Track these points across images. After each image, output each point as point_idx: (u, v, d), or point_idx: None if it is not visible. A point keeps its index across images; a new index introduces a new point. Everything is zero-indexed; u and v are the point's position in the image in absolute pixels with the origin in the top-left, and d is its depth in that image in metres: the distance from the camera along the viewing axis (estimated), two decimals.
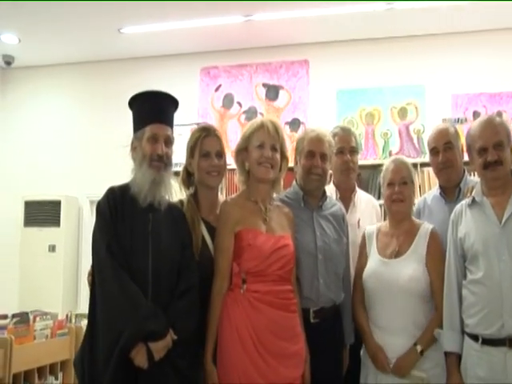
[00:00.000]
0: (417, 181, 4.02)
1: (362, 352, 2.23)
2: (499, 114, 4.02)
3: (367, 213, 2.55)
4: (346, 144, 2.61)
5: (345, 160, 2.60)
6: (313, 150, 2.25)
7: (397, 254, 2.20)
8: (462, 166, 2.43)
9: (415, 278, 2.12)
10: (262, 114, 4.56)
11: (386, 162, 2.33)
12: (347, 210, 2.62)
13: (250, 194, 2.09)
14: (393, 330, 2.11)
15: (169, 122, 2.05)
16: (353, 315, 2.27)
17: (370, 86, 4.41)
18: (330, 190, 2.66)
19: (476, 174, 2.27)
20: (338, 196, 2.64)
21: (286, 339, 1.95)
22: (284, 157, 2.12)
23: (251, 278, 1.96)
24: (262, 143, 2.05)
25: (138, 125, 2.03)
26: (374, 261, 2.24)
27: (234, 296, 1.96)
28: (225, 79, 4.71)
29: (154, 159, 1.97)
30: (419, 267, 2.14)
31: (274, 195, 2.23)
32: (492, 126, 2.03)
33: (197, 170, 2.18)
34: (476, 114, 4.18)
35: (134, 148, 2.04)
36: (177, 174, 2.22)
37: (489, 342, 1.91)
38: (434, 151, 2.44)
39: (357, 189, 2.71)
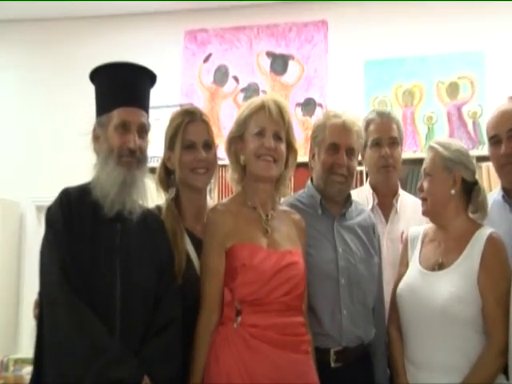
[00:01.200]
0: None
1: None
2: None
3: (415, 222, 2.57)
4: (385, 134, 2.69)
5: (382, 154, 2.67)
6: (337, 141, 2.28)
7: (441, 265, 2.23)
8: None
9: (457, 297, 2.12)
10: (265, 92, 4.58)
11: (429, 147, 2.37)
12: (387, 219, 2.72)
13: (246, 198, 2.12)
14: (432, 368, 2.13)
15: (143, 105, 2.07)
16: (387, 347, 2.30)
17: (408, 54, 4.44)
18: (365, 193, 2.75)
19: None
20: (376, 202, 2.72)
21: None
22: (291, 148, 2.15)
23: (248, 308, 1.97)
24: (262, 130, 2.07)
25: (102, 107, 2.04)
26: (412, 271, 2.28)
27: (224, 332, 1.97)
28: (216, 46, 4.73)
29: (123, 154, 1.99)
30: (467, 284, 2.15)
31: (281, 199, 2.26)
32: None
33: (178, 166, 2.20)
34: None
35: (96, 137, 2.05)
36: (153, 171, 2.24)
37: None
38: (494, 140, 2.48)
39: (400, 191, 2.78)
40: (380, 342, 2.31)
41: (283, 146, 2.09)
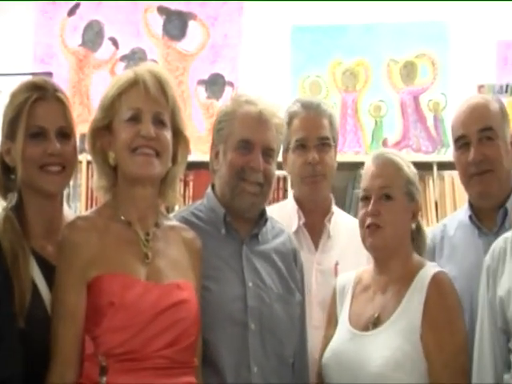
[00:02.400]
0: (430, 194, 4.24)
1: None
2: None
3: (353, 251, 2.64)
4: (312, 133, 2.74)
5: (309, 161, 2.69)
6: (250, 138, 2.32)
7: (376, 322, 2.29)
8: (510, 170, 2.57)
9: (394, 362, 2.18)
10: (155, 61, 4.54)
11: (368, 161, 2.45)
12: (317, 245, 2.76)
13: (117, 209, 2.11)
14: None
15: None
16: None
17: (351, 21, 4.54)
18: (289, 210, 2.81)
19: None
20: (303, 222, 2.76)
21: None
22: (180, 136, 2.17)
23: (116, 364, 1.94)
24: (137, 112, 2.06)
25: None
26: (340, 334, 2.35)
27: None
28: None
29: None
30: (406, 345, 2.21)
31: (169, 213, 2.29)
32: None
33: (21, 161, 2.15)
34: None
35: None
36: None
37: None
38: (462, 142, 2.57)
39: (334, 208, 2.85)
40: None
41: (168, 133, 2.10)
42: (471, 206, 2.59)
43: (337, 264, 2.67)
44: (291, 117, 2.76)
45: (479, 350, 2.20)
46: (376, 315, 2.29)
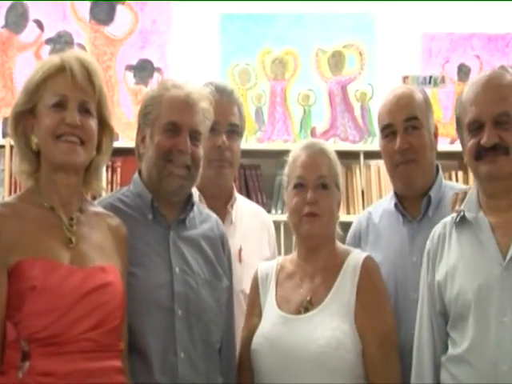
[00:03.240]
0: (357, 183, 4.32)
1: None
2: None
3: (254, 237, 2.69)
4: (224, 117, 2.75)
5: (218, 144, 2.71)
6: (178, 120, 2.34)
7: (308, 306, 2.33)
8: (434, 160, 2.63)
9: (336, 342, 2.24)
10: (81, 46, 4.52)
11: (295, 149, 2.51)
12: None
13: (40, 195, 2.10)
14: None
15: None
16: None
17: (280, 10, 4.55)
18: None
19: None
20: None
21: None
22: (106, 125, 2.16)
23: (39, 349, 1.92)
24: (63, 99, 2.05)
25: None
26: (269, 320, 2.38)
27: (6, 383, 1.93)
28: None
29: None
30: (344, 325, 2.28)
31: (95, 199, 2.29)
32: (495, 87, 2.19)
33: None
34: (463, 69, 4.53)
35: None
36: None
37: None
38: (388, 131, 2.61)
39: (236, 195, 2.88)
40: None
41: (93, 122, 2.09)
42: (396, 194, 2.63)
43: (240, 249, 2.69)
44: None
45: (419, 332, 2.26)
46: (308, 298, 2.33)
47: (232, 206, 2.80)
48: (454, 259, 2.21)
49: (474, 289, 2.11)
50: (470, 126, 2.18)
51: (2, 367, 1.94)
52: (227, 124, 2.76)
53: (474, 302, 2.10)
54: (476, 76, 2.32)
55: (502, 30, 4.56)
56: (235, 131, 2.80)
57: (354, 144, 4.47)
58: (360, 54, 4.56)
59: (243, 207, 2.85)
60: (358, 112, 4.52)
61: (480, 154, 2.15)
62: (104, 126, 2.14)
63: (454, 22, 4.57)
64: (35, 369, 1.91)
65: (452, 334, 2.18)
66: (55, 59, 2.10)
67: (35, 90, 2.07)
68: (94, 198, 2.46)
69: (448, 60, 4.55)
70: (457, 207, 2.29)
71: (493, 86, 2.19)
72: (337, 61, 4.55)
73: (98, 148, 2.14)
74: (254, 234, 2.70)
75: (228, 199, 2.81)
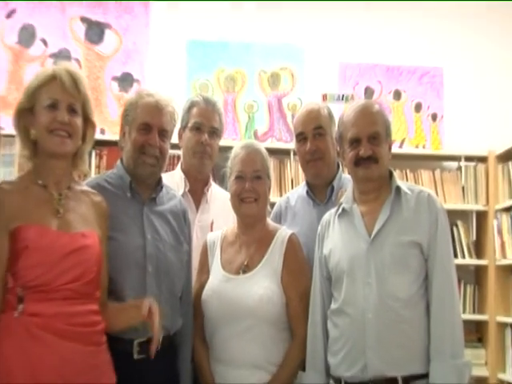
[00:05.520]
0: (287, 173, 4.33)
1: None
2: (377, 100, 4.40)
3: (223, 214, 2.69)
4: (207, 121, 2.78)
5: (201, 140, 2.76)
6: (149, 121, 2.34)
7: (245, 269, 2.37)
8: (335, 158, 2.67)
9: (266, 297, 2.28)
10: (78, 60, 4.51)
11: (235, 148, 2.51)
12: (197, 207, 2.80)
13: (37, 175, 2.09)
14: (240, 365, 2.27)
15: None
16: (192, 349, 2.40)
17: (232, 39, 4.59)
18: (177, 178, 2.82)
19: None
20: (187, 188, 2.79)
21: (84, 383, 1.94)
22: (89, 122, 2.15)
23: (31, 294, 1.93)
24: (55, 102, 2.05)
25: None
26: (215, 277, 2.40)
27: (6, 321, 1.93)
28: (22, 2, 4.52)
29: None
30: (272, 285, 2.32)
31: (83, 178, 2.27)
32: (368, 114, 2.27)
33: None
34: (369, 91, 4.63)
35: None
36: None
37: None
38: (301, 137, 2.67)
39: (211, 182, 2.89)
40: (186, 331, 2.39)
41: (79, 120, 2.10)
42: (308, 183, 2.70)
43: (212, 223, 2.73)
44: (192, 104, 2.82)
45: (313, 292, 2.34)
46: (246, 263, 2.38)
47: (208, 190, 2.83)
48: (335, 238, 2.29)
49: (348, 259, 2.21)
50: (351, 141, 2.25)
51: (3, 307, 1.94)
52: (210, 126, 2.78)
53: (347, 268, 2.20)
54: (354, 104, 2.36)
55: (397, 62, 4.64)
56: (215, 133, 2.81)
57: (286, 143, 4.47)
58: (292, 75, 4.60)
59: (216, 192, 2.86)
60: (289, 119, 4.52)
61: (358, 162, 2.22)
62: (87, 121, 2.14)
63: (363, 55, 4.62)
64: (28, 310, 1.91)
65: (334, 292, 2.26)
66: (49, 70, 2.09)
67: (33, 94, 2.06)
68: (85, 178, 2.44)
69: (358, 83, 4.61)
70: (341, 200, 2.36)
71: (367, 113, 2.27)
72: (274, 80, 4.59)
73: (83, 138, 2.13)
74: (222, 212, 2.68)
75: (205, 184, 2.84)
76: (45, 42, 4.53)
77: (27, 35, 4.51)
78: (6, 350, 1.89)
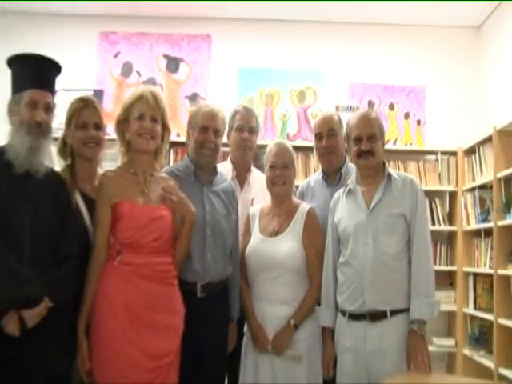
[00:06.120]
0: (311, 164, 4.24)
1: (245, 328, 2.34)
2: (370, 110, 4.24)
3: (261, 193, 2.63)
4: (246, 123, 2.72)
5: (243, 137, 2.71)
6: (206, 124, 2.31)
7: (276, 233, 2.33)
8: (343, 152, 2.60)
9: (291, 253, 2.26)
10: (161, 85, 4.51)
11: (270, 145, 2.45)
12: (242, 188, 2.73)
13: (130, 166, 2.09)
14: (273, 301, 2.26)
15: (49, 88, 2.02)
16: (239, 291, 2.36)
17: (271, 66, 4.52)
18: (227, 167, 2.74)
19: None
20: (235, 174, 2.72)
21: (162, 312, 1.96)
22: (165, 128, 2.14)
23: (126, 249, 1.96)
24: (142, 114, 2.06)
25: (16, 88, 1.99)
26: (255, 239, 2.37)
27: (109, 268, 1.96)
28: (124, 46, 4.56)
29: (32, 126, 1.94)
30: (295, 244, 2.28)
31: (162, 168, 2.26)
32: (367, 119, 2.24)
33: (73, 140, 2.16)
34: (370, 104, 4.50)
35: (10, 111, 1.99)
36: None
37: (353, 316, 2.14)
38: (318, 137, 2.61)
39: (252, 168, 2.80)
40: (235, 277, 2.36)
41: (159, 127, 2.09)
42: (323, 171, 2.64)
43: (252, 200, 2.67)
44: (235, 112, 2.76)
45: (326, 249, 2.30)
46: (276, 228, 2.34)
47: (250, 174, 2.74)
48: (343, 210, 2.27)
49: (352, 226, 2.19)
50: (354, 139, 2.23)
51: (107, 257, 1.97)
52: (249, 126, 2.71)
53: (352, 232, 2.18)
54: (357, 112, 2.33)
55: (391, 82, 4.52)
56: (253, 131, 2.73)
57: (310, 142, 4.10)
58: (314, 92, 4.51)
59: (256, 175, 2.76)
60: (312, 125, 4.34)
61: (360, 154, 2.21)
62: (165, 127, 2.13)
63: (366, 77, 4.51)
64: (124, 260, 1.95)
65: (342, 249, 2.24)
66: (138, 91, 2.11)
67: (128, 109, 2.08)
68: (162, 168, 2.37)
69: (362, 97, 4.50)
70: (348, 182, 2.34)
71: (366, 119, 2.25)
72: (301, 96, 4.51)
73: (162, 139, 2.13)
74: (261, 192, 2.60)
75: (248, 170, 2.75)
76: (139, 73, 4.55)
77: (127, 69, 4.54)
78: (110, 289, 1.93)
